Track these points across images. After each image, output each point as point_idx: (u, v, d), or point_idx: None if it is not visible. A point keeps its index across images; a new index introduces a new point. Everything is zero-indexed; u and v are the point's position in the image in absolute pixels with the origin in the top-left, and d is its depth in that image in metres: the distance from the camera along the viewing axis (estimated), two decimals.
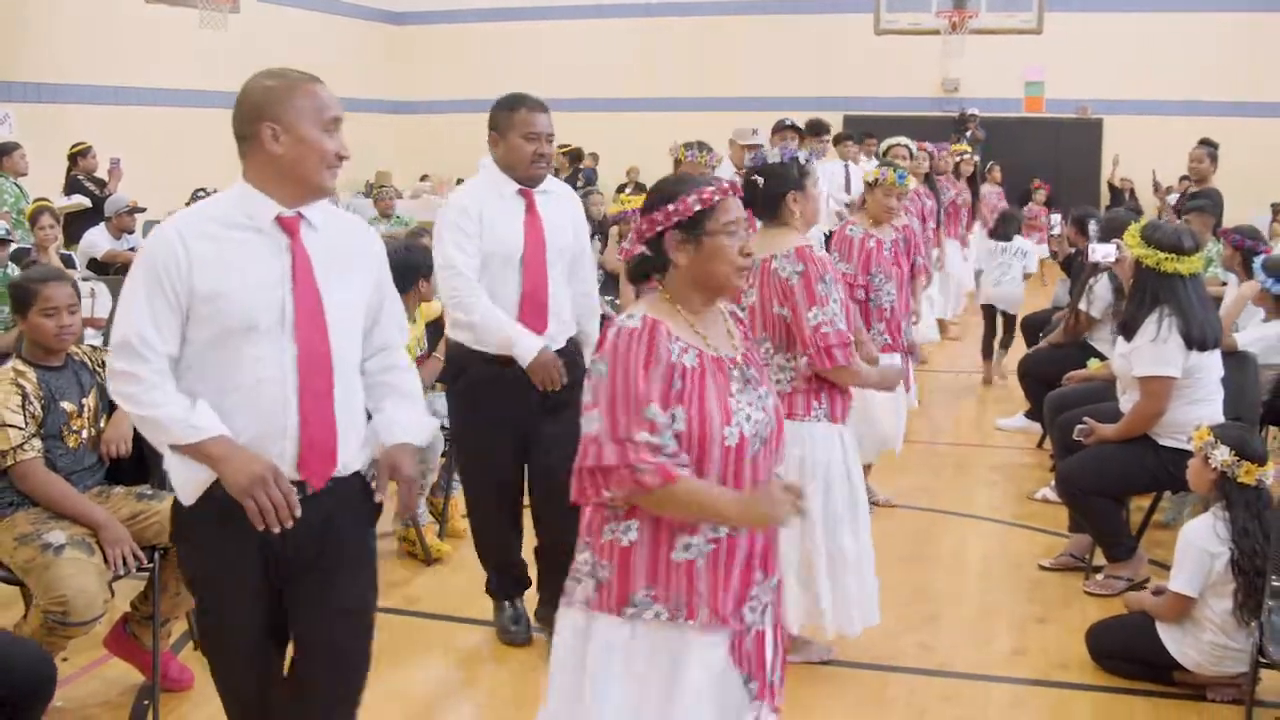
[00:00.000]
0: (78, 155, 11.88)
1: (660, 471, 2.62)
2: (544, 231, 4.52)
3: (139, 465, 4.52)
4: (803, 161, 4.45)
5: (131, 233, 10.50)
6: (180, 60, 16.44)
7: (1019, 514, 6.54)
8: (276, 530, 2.89)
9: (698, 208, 2.75)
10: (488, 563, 4.89)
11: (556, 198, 4.66)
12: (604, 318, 5.30)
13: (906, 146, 8.42)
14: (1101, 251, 6.17)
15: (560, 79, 20.20)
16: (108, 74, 15.60)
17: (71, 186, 11.56)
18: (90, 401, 4.34)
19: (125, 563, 4.09)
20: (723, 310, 2.93)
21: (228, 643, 3.16)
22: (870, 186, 6.25)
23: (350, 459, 3.07)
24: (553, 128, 4.52)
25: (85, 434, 4.31)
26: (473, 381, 4.61)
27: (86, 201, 11.16)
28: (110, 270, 9.54)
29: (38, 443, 4.12)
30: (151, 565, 4.20)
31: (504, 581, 4.88)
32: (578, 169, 17.53)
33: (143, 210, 10.70)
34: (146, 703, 4.29)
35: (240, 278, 2.92)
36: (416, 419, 3.27)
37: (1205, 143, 10.01)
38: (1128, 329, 5.10)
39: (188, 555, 3.16)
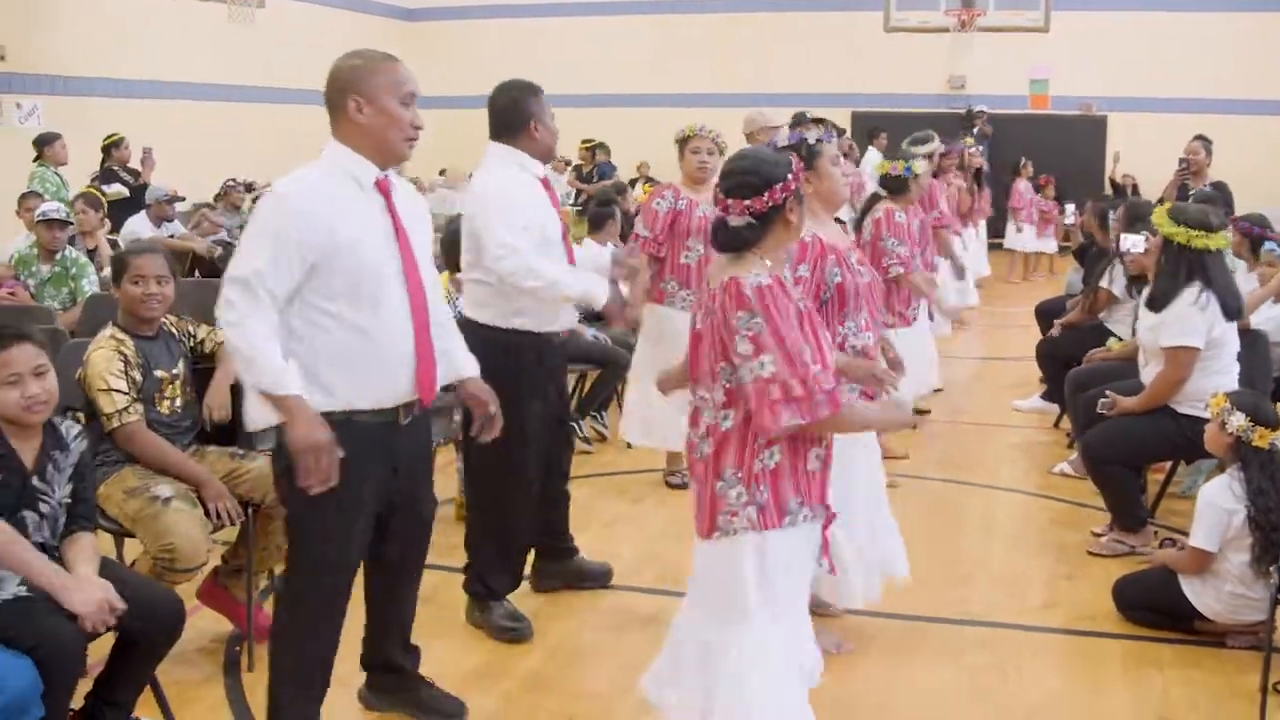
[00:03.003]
0: (111, 146, 12.18)
1: (833, 399, 3.14)
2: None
3: (227, 428, 4.83)
4: (812, 141, 4.57)
5: (171, 220, 10.81)
6: (206, 54, 16.73)
7: (1041, 486, 6.88)
8: (315, 491, 3.33)
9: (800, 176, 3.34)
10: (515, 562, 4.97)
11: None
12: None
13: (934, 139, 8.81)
14: (1130, 241, 6.52)
15: (571, 74, 20.46)
16: (135, 67, 15.87)
17: (106, 177, 11.85)
18: (181, 369, 4.64)
19: (225, 516, 4.41)
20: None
21: (348, 528, 3.58)
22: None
23: (439, 383, 3.68)
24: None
25: (178, 400, 4.61)
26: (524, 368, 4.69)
27: (125, 191, 11.46)
28: None
29: (139, 406, 4.41)
30: (246, 519, 4.50)
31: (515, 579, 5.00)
32: (595, 163, 17.84)
33: (182, 199, 11.00)
34: (238, 649, 4.61)
35: (366, 231, 3.44)
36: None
37: (1200, 138, 10.39)
38: (1157, 302, 5.43)
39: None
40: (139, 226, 10.52)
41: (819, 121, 7.30)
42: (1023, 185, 16.16)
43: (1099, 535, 5.80)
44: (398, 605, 4.01)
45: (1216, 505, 4.56)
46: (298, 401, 3.32)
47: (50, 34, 14.75)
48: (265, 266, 3.32)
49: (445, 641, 4.67)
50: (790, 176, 3.28)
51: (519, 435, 4.45)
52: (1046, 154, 18.42)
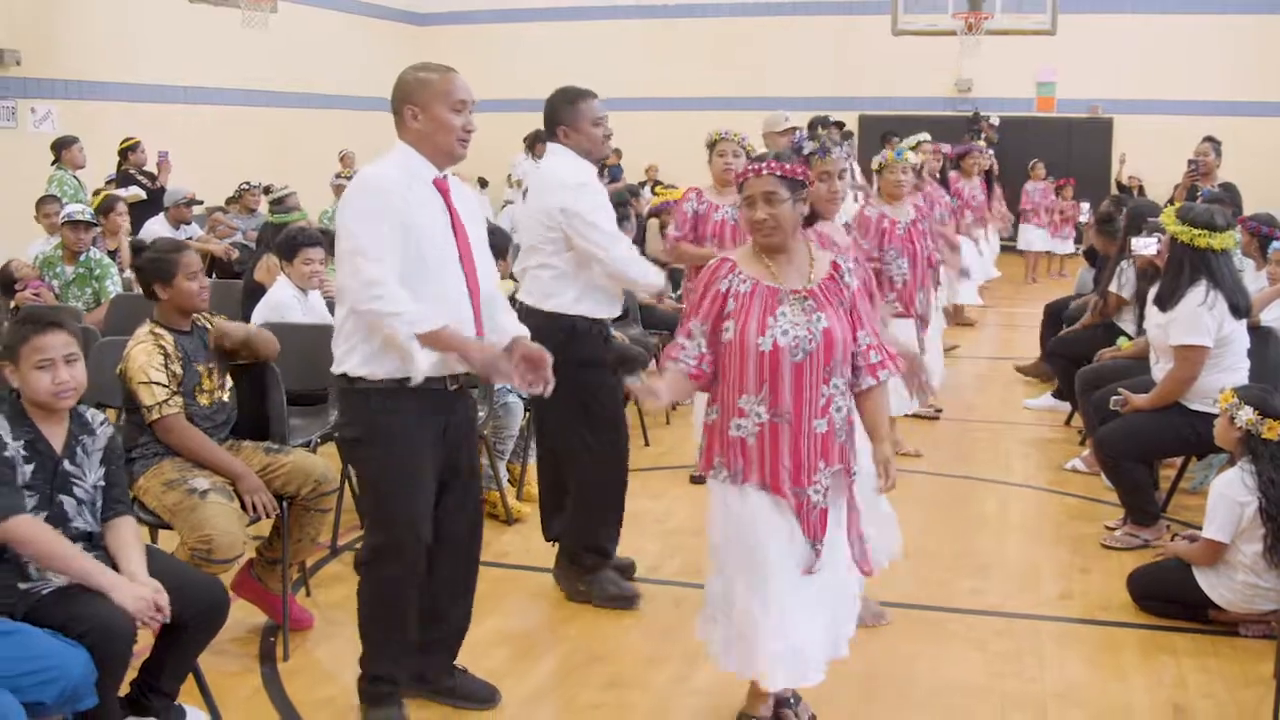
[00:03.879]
0: (128, 150, 12.30)
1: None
2: None
3: (261, 424, 4.94)
4: (806, 152, 4.72)
5: (188, 223, 10.93)
6: (219, 59, 16.87)
7: (1053, 481, 6.99)
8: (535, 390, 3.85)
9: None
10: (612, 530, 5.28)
11: None
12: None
13: (927, 140, 8.91)
14: (1141, 244, 6.63)
15: (579, 78, 20.46)
16: (148, 72, 16.01)
17: (123, 180, 11.96)
18: (216, 363, 4.76)
19: (261, 509, 4.52)
20: (810, 253, 3.81)
21: (416, 483, 3.90)
22: (878, 172, 6.89)
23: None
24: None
25: (216, 392, 4.73)
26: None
27: (143, 193, 11.58)
28: None
29: (179, 399, 4.53)
30: (281, 512, 4.61)
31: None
32: (604, 166, 17.95)
33: (200, 202, 11.12)
34: (273, 639, 4.73)
35: (433, 221, 3.80)
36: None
37: (1209, 139, 10.51)
38: (1165, 300, 5.55)
39: (385, 426, 3.84)
40: (158, 228, 10.63)
41: (836, 125, 7.46)
42: (1031, 186, 16.28)
43: (1113, 529, 5.91)
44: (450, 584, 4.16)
45: (1229, 497, 4.67)
46: (450, 333, 3.68)
47: (64, 39, 14.88)
48: (385, 249, 3.67)
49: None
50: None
51: (600, 409, 5.04)
52: (1053, 156, 18.51)
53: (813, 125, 8.97)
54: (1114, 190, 18.56)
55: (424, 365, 3.74)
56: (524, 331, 4.06)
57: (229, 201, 14.05)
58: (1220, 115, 18.19)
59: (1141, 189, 17.90)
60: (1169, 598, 4.90)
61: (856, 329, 3.75)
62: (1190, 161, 10.37)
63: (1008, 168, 17.17)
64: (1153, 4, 19.56)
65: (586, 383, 4.91)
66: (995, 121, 19.24)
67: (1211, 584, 4.75)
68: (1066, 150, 19.90)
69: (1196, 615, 4.84)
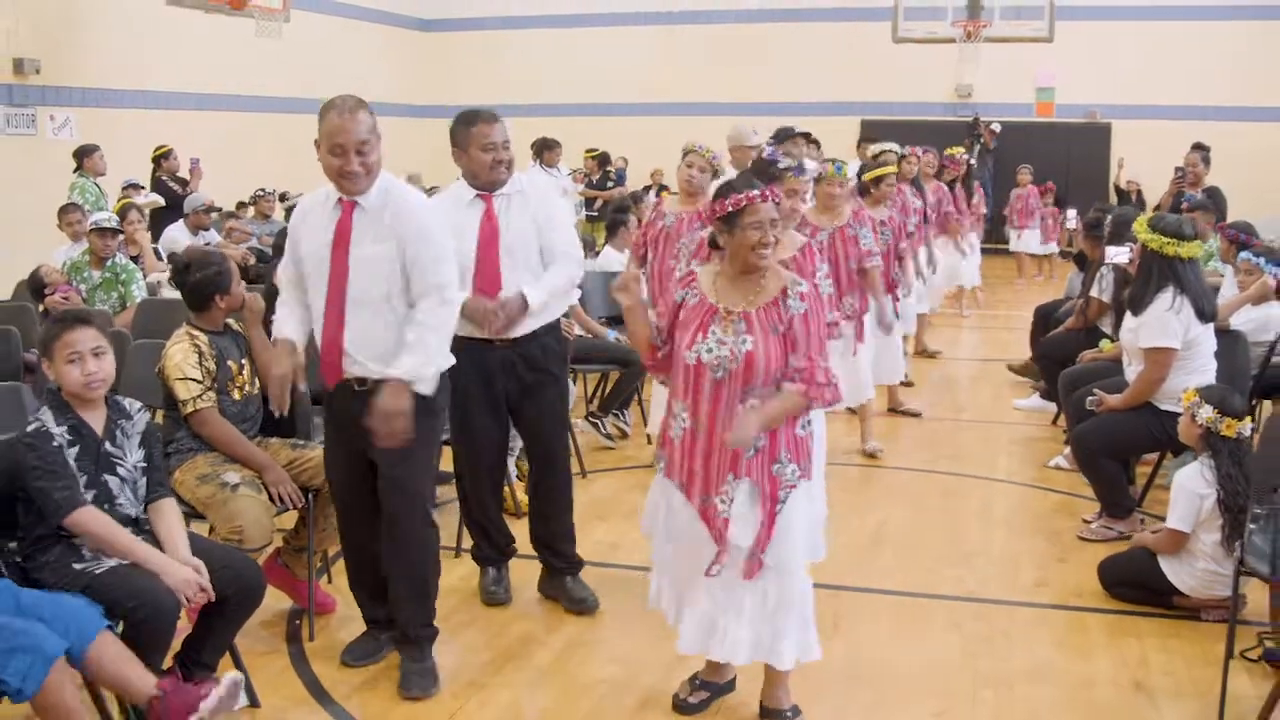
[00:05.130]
0: (160, 158, 12.69)
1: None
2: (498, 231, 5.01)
3: (287, 421, 5.28)
4: (781, 167, 4.98)
5: (207, 229, 11.27)
6: (233, 66, 17.25)
7: (1036, 478, 7.34)
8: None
9: (731, 208, 3.93)
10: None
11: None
12: None
13: (893, 150, 9.13)
14: (1114, 252, 6.98)
15: (584, 84, 20.93)
16: (164, 80, 16.38)
17: (156, 186, 12.32)
18: (247, 361, 5.12)
19: (287, 500, 4.87)
20: (767, 278, 4.00)
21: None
22: (817, 181, 7.09)
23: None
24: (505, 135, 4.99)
25: (247, 388, 5.08)
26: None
27: (161, 200, 11.93)
28: None
29: (212, 395, 4.88)
30: (306, 503, 4.96)
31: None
32: (606, 171, 18.27)
33: (219, 209, 11.46)
34: (298, 622, 5.08)
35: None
36: None
37: (1198, 147, 10.82)
38: (1135, 304, 5.89)
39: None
40: (178, 235, 10.97)
41: (804, 136, 7.67)
42: (1020, 191, 16.55)
43: (1089, 522, 6.24)
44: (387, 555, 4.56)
45: (1189, 490, 5.01)
46: (280, 343, 4.56)
47: (82, 48, 15.24)
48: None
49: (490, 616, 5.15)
50: (715, 203, 3.98)
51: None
52: (1052, 161, 18.86)
53: (780, 136, 8.99)
54: (1113, 194, 18.89)
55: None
56: (393, 374, 4.20)
57: (239, 206, 14.41)
58: (1217, 120, 18.53)
59: (1140, 193, 18.20)
60: (1136, 584, 5.24)
61: (788, 352, 3.94)
62: (1177, 169, 10.69)
63: (1008, 172, 17.49)
64: (1149, 11, 19.90)
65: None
66: (996, 128, 19.55)
67: (1175, 571, 5.09)
68: (1065, 155, 20.22)
69: (1162, 601, 5.17)
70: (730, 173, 7.97)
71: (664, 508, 4.18)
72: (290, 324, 4.52)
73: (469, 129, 4.98)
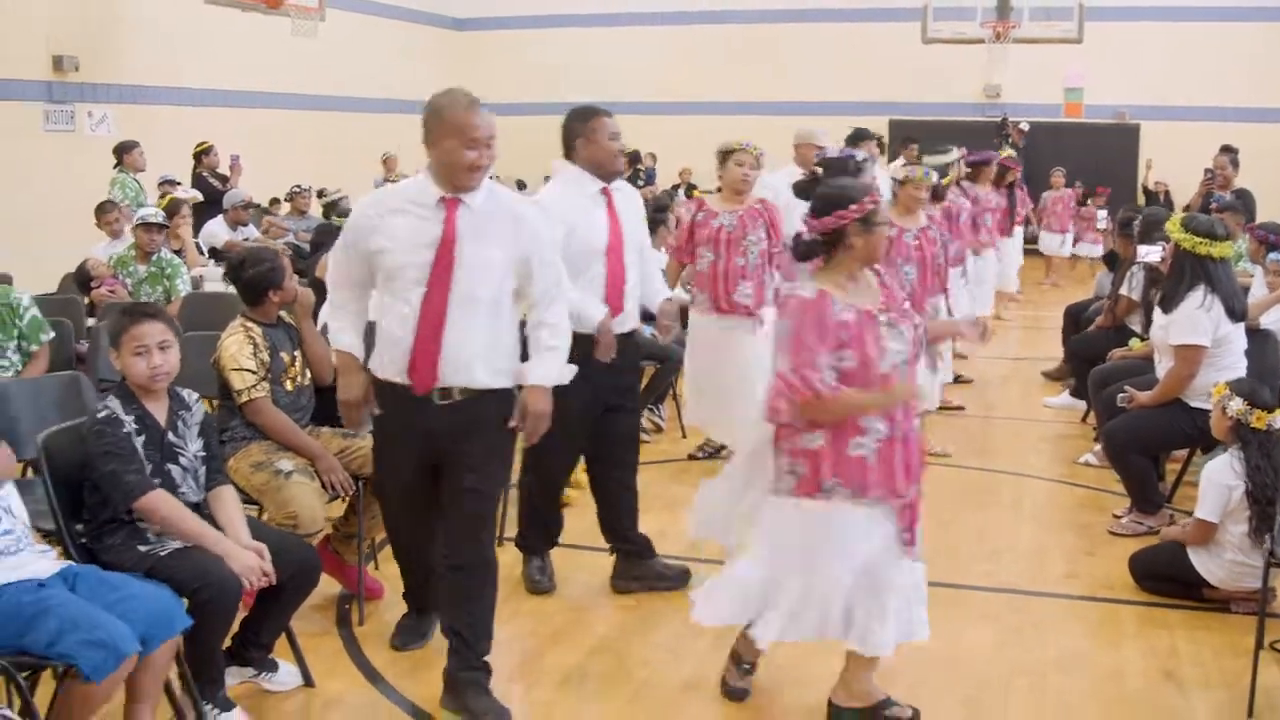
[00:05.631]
0: (201, 154, 12.87)
1: (819, 397, 3.76)
2: None
3: (336, 411, 5.42)
4: (860, 160, 5.17)
5: (246, 225, 11.46)
6: (268, 64, 17.42)
7: (1065, 474, 7.45)
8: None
9: (870, 207, 3.90)
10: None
11: None
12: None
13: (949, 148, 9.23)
14: (1145, 251, 7.08)
15: (613, 83, 21.01)
16: (201, 77, 16.56)
17: (196, 182, 12.50)
18: (299, 353, 5.27)
19: (338, 487, 5.01)
20: (867, 273, 4.02)
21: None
22: (900, 183, 7.21)
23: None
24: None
25: (300, 379, 5.23)
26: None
27: (200, 195, 12.11)
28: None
29: (266, 385, 5.02)
30: (356, 491, 5.10)
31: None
32: (636, 170, 18.40)
33: (256, 205, 11.63)
34: (348, 606, 5.22)
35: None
36: None
37: (1226, 149, 10.88)
38: (1167, 303, 5.99)
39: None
40: (218, 230, 11.16)
41: (869, 138, 7.76)
42: (1054, 193, 16.60)
43: (1119, 517, 6.35)
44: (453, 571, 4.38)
45: (1218, 481, 5.11)
46: (343, 358, 4.43)
47: (120, 46, 15.42)
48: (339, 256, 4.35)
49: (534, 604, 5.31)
50: (855, 205, 3.87)
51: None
52: (1080, 161, 18.84)
53: (855, 138, 9.05)
54: (1141, 195, 18.91)
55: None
56: (536, 381, 4.25)
57: (273, 203, 14.58)
58: (1245, 121, 18.49)
59: (1168, 194, 18.22)
60: (1166, 577, 5.34)
61: None
62: (1207, 171, 10.75)
63: (1037, 173, 17.52)
64: (1178, 12, 19.88)
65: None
66: (1025, 127, 19.59)
67: (1204, 563, 5.19)
68: (1094, 155, 20.22)
69: (1192, 593, 5.28)
70: (794, 173, 8.02)
71: (835, 537, 3.97)
72: (349, 334, 4.36)
73: (593, 120, 5.12)
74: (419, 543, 4.67)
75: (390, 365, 4.19)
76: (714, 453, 7.59)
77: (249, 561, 4.02)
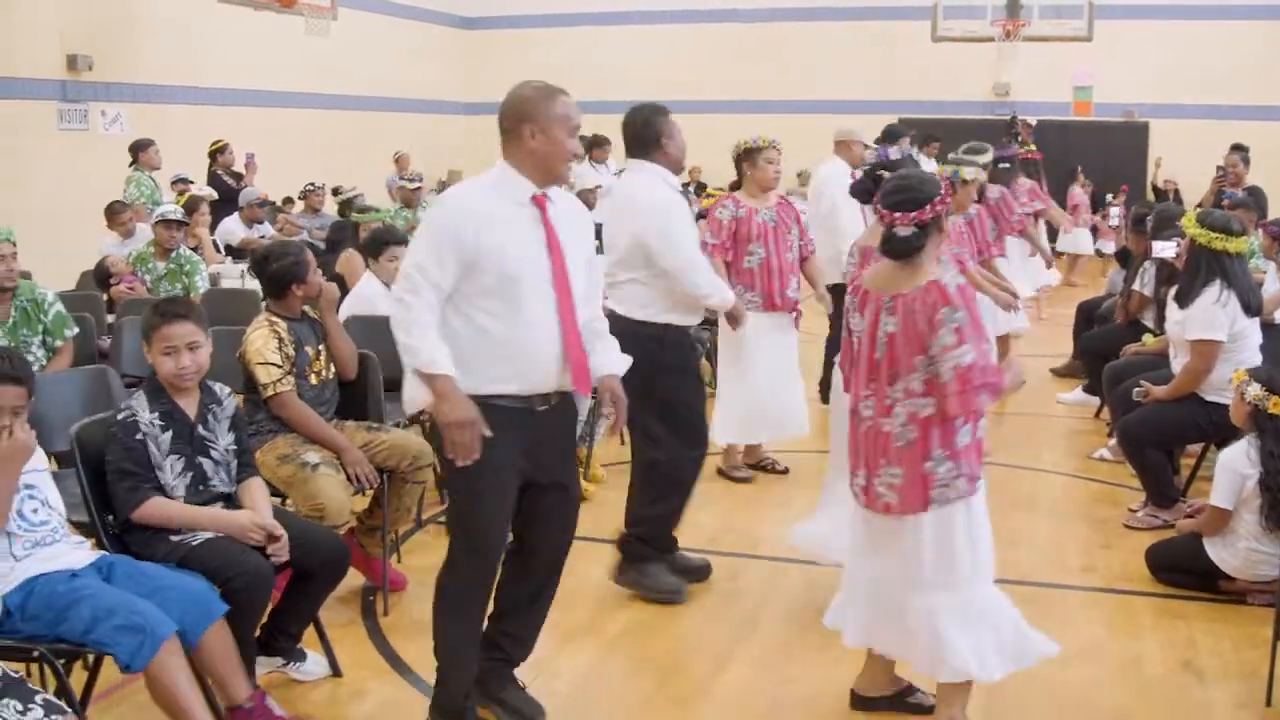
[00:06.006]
0: (216, 152, 12.93)
1: (1001, 379, 3.80)
2: None
3: (360, 405, 5.49)
4: (895, 158, 5.20)
5: (261, 223, 11.52)
6: (280, 62, 17.51)
7: (1080, 468, 7.50)
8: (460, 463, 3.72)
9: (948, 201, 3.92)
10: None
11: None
12: None
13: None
14: (1160, 246, 7.13)
15: (621, 82, 21.03)
16: (214, 76, 16.64)
17: (211, 180, 12.56)
18: (323, 347, 5.32)
19: (363, 480, 5.06)
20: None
21: (490, 490, 4.01)
22: (964, 183, 7.25)
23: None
24: None
25: (324, 372, 5.28)
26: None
27: (214, 193, 12.16)
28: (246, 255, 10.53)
29: (291, 379, 5.08)
30: (381, 484, 5.15)
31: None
32: None
33: (271, 203, 11.69)
34: (372, 598, 5.29)
35: (515, 240, 3.87)
36: None
37: (1237, 148, 10.94)
38: (1182, 298, 6.04)
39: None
40: (234, 227, 11.23)
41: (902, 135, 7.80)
42: (1076, 191, 16.60)
43: (1135, 511, 6.39)
44: (530, 589, 4.19)
45: (1232, 469, 5.17)
46: (447, 382, 3.68)
47: (134, 45, 15.49)
48: (427, 262, 3.74)
49: None
50: (942, 193, 3.88)
51: (687, 411, 5.40)
52: (1089, 160, 18.86)
53: (890, 136, 9.02)
54: (1150, 193, 18.92)
55: (419, 398, 3.81)
56: (617, 371, 4.13)
57: (285, 201, 14.65)
58: (1254, 119, 18.50)
59: (1177, 192, 18.21)
60: (1183, 569, 5.39)
61: None
62: (1219, 168, 10.80)
63: (1047, 171, 17.49)
64: (1187, 10, 19.89)
65: (673, 387, 5.30)
66: (1033, 122, 19.61)
67: (1219, 552, 5.24)
68: (1103, 154, 20.23)
69: (1208, 585, 5.32)
70: (843, 169, 8.03)
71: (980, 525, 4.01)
72: (443, 352, 3.72)
73: (667, 118, 5.31)
74: (501, 608, 4.21)
75: (516, 378, 3.84)
76: (752, 469, 7.37)
77: (242, 520, 4.13)
